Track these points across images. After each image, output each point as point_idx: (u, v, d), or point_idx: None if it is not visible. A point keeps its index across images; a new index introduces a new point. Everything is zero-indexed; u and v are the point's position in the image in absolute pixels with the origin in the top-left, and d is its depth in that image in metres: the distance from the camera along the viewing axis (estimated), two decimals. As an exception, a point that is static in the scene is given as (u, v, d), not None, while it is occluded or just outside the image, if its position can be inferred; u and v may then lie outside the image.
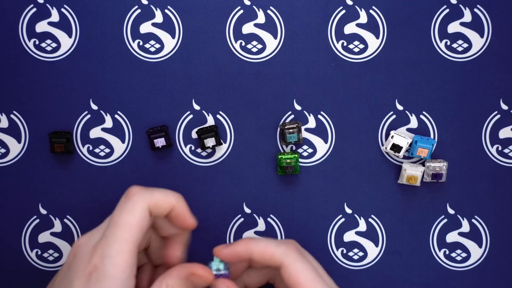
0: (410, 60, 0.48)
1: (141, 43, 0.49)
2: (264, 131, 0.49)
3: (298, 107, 0.49)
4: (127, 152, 0.49)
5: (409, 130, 0.49)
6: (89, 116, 0.49)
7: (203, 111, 0.49)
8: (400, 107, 0.49)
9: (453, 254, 0.49)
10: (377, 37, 0.48)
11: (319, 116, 0.49)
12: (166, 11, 0.48)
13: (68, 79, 0.49)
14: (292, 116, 0.49)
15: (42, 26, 0.48)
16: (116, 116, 0.49)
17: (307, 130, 0.49)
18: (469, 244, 0.49)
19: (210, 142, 0.48)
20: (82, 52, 0.49)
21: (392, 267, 0.49)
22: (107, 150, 0.49)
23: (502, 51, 0.48)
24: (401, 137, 0.47)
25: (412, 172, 0.47)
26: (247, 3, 0.48)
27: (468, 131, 0.48)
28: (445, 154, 0.48)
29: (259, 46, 0.48)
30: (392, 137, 0.47)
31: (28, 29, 0.48)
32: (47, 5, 0.48)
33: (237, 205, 0.49)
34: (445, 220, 0.49)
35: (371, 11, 0.48)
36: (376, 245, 0.49)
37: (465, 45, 0.48)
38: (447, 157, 0.48)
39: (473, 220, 0.49)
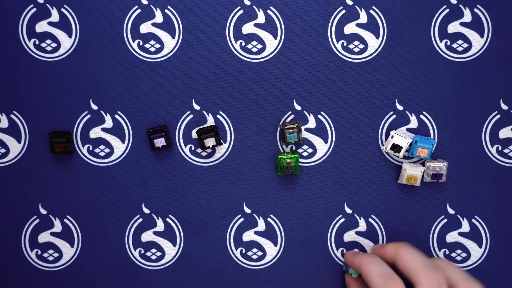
0: (410, 60, 0.48)
1: (141, 43, 0.49)
2: (264, 131, 0.49)
3: (298, 107, 0.49)
4: (127, 152, 0.49)
5: (409, 130, 0.49)
6: (89, 116, 0.49)
7: (203, 111, 0.49)
8: (400, 107, 0.49)
9: (453, 254, 0.49)
10: (377, 37, 0.48)
11: (319, 116, 0.49)
12: (166, 11, 0.48)
13: (68, 79, 0.49)
14: (292, 116, 0.49)
15: (42, 26, 0.48)
16: (116, 116, 0.49)
17: (307, 130, 0.49)
18: (469, 244, 0.49)
19: (210, 142, 0.48)
20: (82, 52, 0.49)
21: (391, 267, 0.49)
22: (107, 150, 0.49)
23: (502, 51, 0.48)
24: (401, 137, 0.47)
25: (412, 172, 0.47)
26: (247, 3, 0.48)
27: (468, 131, 0.48)
28: (445, 154, 0.48)
29: (259, 46, 0.48)
30: (392, 137, 0.47)
31: (28, 29, 0.48)
32: (47, 5, 0.48)
33: (237, 205, 0.49)
34: (445, 220, 0.49)
35: (371, 11, 0.48)
36: (376, 245, 0.49)
37: (465, 45, 0.48)
38: (447, 157, 0.48)
39: (473, 220, 0.49)
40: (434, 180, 0.47)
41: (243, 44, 0.48)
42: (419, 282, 0.41)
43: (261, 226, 0.49)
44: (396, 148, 0.47)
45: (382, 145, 0.49)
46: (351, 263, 0.46)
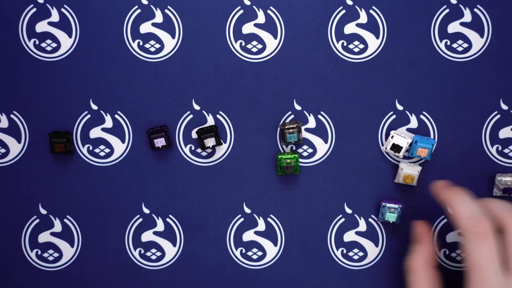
0: (410, 60, 0.48)
1: (141, 43, 0.49)
2: (264, 131, 0.49)
3: (298, 107, 0.49)
4: (127, 152, 0.49)
5: (409, 130, 0.49)
6: (89, 116, 0.49)
7: (203, 111, 0.49)
8: (400, 107, 0.49)
9: (453, 254, 0.49)
10: (377, 37, 0.48)
11: (319, 116, 0.49)
12: (166, 11, 0.48)
13: (68, 79, 0.49)
14: (292, 116, 0.49)
15: (42, 26, 0.48)
16: (116, 116, 0.49)
17: (307, 130, 0.49)
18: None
19: (210, 142, 0.48)
20: (82, 52, 0.49)
21: (392, 267, 0.49)
22: (107, 150, 0.49)
23: (502, 51, 0.48)
24: (401, 137, 0.47)
25: (408, 172, 0.47)
26: (247, 3, 0.48)
27: (468, 131, 0.48)
28: (445, 154, 0.48)
29: (259, 46, 0.48)
30: (392, 137, 0.47)
31: (28, 29, 0.48)
32: (47, 5, 0.48)
33: (237, 205, 0.49)
34: (445, 220, 0.49)
35: (371, 11, 0.48)
36: (376, 245, 0.49)
37: (465, 45, 0.48)
38: (447, 157, 0.48)
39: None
40: (505, 194, 0.47)
41: (243, 44, 0.48)
42: (510, 225, 0.41)
43: (261, 226, 0.49)
44: (396, 148, 0.47)
45: (382, 145, 0.49)
46: (438, 195, 0.45)
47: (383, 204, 0.47)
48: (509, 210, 0.42)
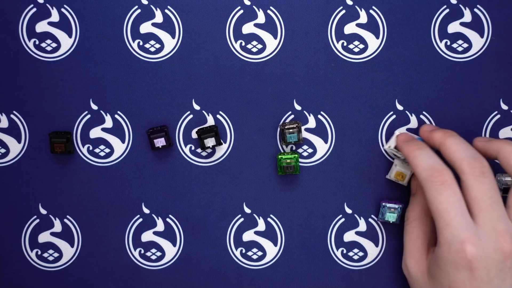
0: (410, 60, 0.48)
1: (141, 43, 0.49)
2: (264, 131, 0.49)
3: (298, 107, 0.49)
4: (127, 152, 0.49)
5: (409, 130, 0.49)
6: (89, 116, 0.49)
7: (203, 111, 0.49)
8: (400, 107, 0.49)
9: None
10: (377, 37, 0.48)
11: (319, 116, 0.49)
12: (166, 11, 0.48)
13: (68, 79, 0.49)
14: (292, 116, 0.49)
15: (42, 26, 0.48)
16: (116, 116, 0.49)
17: (307, 130, 0.49)
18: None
19: (210, 142, 0.48)
20: (82, 52, 0.49)
21: (392, 267, 0.49)
22: (107, 150, 0.49)
23: (502, 51, 0.48)
24: None
25: (401, 169, 0.47)
26: (247, 3, 0.48)
27: (468, 131, 0.48)
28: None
29: (259, 46, 0.48)
30: (397, 136, 0.47)
31: (28, 29, 0.48)
32: (47, 5, 0.48)
33: (237, 205, 0.49)
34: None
35: (371, 11, 0.48)
36: (376, 245, 0.49)
37: (465, 45, 0.48)
38: (447, 157, 0.48)
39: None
40: (505, 194, 0.47)
41: (243, 44, 0.48)
42: (463, 171, 0.41)
43: (261, 226, 0.49)
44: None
45: (382, 145, 0.49)
46: (400, 150, 0.45)
47: (383, 204, 0.47)
48: (466, 157, 0.42)
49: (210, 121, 0.49)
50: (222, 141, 0.49)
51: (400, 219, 0.48)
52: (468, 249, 0.40)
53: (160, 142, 0.48)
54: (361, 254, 0.49)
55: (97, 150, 0.49)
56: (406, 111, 0.49)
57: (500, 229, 0.40)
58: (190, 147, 0.49)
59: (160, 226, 0.50)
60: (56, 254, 0.50)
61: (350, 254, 0.49)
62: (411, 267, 0.45)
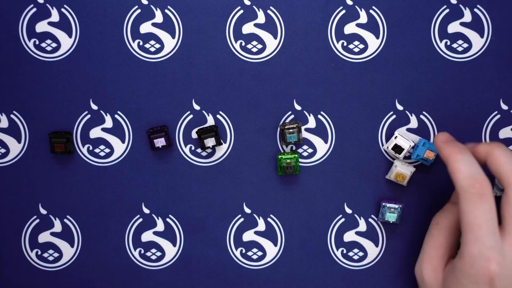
0: (410, 60, 0.48)
1: (141, 43, 0.49)
2: (264, 131, 0.49)
3: (298, 107, 0.49)
4: (127, 152, 0.49)
5: (409, 130, 0.49)
6: (89, 116, 0.49)
7: (203, 111, 0.49)
8: (400, 107, 0.49)
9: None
10: (377, 37, 0.48)
11: (319, 116, 0.49)
12: (166, 11, 0.48)
13: (68, 79, 0.49)
14: (292, 116, 0.49)
15: (42, 26, 0.48)
16: (116, 116, 0.49)
17: (307, 130, 0.49)
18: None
19: (210, 142, 0.48)
20: (82, 52, 0.49)
21: (392, 267, 0.49)
22: (107, 150, 0.49)
23: (502, 51, 0.48)
24: (405, 139, 0.47)
25: (402, 170, 0.47)
26: (247, 3, 0.48)
27: (468, 131, 0.48)
28: (445, 154, 0.48)
29: (259, 46, 0.48)
30: (395, 137, 0.47)
31: (28, 29, 0.48)
32: (47, 5, 0.48)
33: (237, 205, 0.49)
34: (445, 220, 0.49)
35: (371, 11, 0.48)
36: (376, 245, 0.49)
37: (465, 45, 0.48)
38: (447, 157, 0.48)
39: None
40: None
41: (243, 44, 0.48)
42: (510, 185, 0.40)
43: (261, 226, 0.49)
44: (397, 148, 0.47)
45: (382, 145, 0.49)
46: (439, 150, 0.43)
47: (383, 204, 0.47)
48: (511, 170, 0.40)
49: (210, 121, 0.49)
50: (222, 141, 0.49)
51: (400, 219, 0.48)
52: (492, 267, 0.39)
53: (160, 142, 0.48)
54: (361, 254, 0.49)
55: (97, 150, 0.49)
56: (406, 111, 0.49)
57: None
58: (190, 147, 0.49)
59: (160, 226, 0.50)
60: (56, 254, 0.50)
61: (350, 254, 0.49)
62: (426, 274, 0.44)
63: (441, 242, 0.44)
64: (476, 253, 0.39)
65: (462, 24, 0.48)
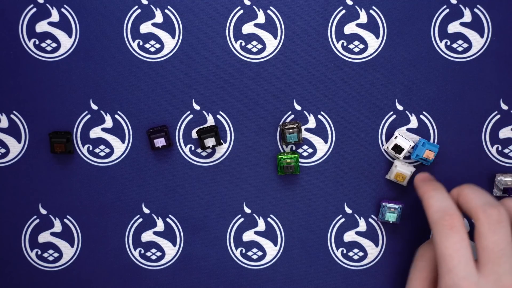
0: (410, 60, 0.48)
1: (141, 43, 0.49)
2: (264, 131, 0.49)
3: (298, 107, 0.49)
4: (127, 152, 0.49)
5: (409, 130, 0.49)
6: (89, 116, 0.49)
7: (203, 111, 0.49)
8: (400, 107, 0.49)
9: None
10: (377, 37, 0.48)
11: (319, 116, 0.49)
12: (166, 11, 0.48)
13: (68, 79, 0.49)
14: (292, 116, 0.49)
15: (42, 26, 0.48)
16: (116, 116, 0.49)
17: (307, 130, 0.49)
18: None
19: (210, 142, 0.48)
20: (82, 52, 0.49)
21: (392, 267, 0.49)
22: (107, 150, 0.49)
23: (502, 51, 0.48)
24: (405, 139, 0.47)
25: (402, 170, 0.47)
26: (247, 3, 0.48)
27: (468, 131, 0.48)
28: (445, 154, 0.48)
29: (259, 46, 0.48)
30: (395, 137, 0.47)
31: (28, 29, 0.48)
32: (47, 5, 0.48)
33: (237, 205, 0.49)
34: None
35: (371, 11, 0.48)
36: (376, 245, 0.49)
37: (465, 45, 0.48)
38: (447, 157, 0.48)
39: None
40: (505, 194, 0.47)
41: (243, 44, 0.48)
42: (478, 219, 0.41)
43: (261, 226, 0.49)
44: (397, 149, 0.47)
45: (382, 145, 0.49)
46: (416, 189, 0.45)
47: (383, 204, 0.47)
48: (482, 204, 0.41)
49: (210, 121, 0.49)
50: (222, 141, 0.49)
51: (400, 219, 0.48)
52: None
53: (160, 142, 0.48)
54: (361, 254, 0.49)
55: (97, 150, 0.49)
56: (406, 111, 0.49)
57: (505, 283, 0.40)
58: (190, 147, 0.49)
59: (160, 226, 0.50)
60: (56, 254, 0.50)
61: (350, 254, 0.49)
62: None
63: (426, 275, 0.44)
64: (450, 284, 0.40)
65: (462, 24, 0.48)
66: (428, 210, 0.42)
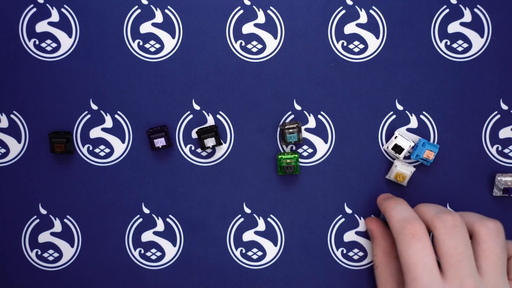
0: (410, 60, 0.48)
1: (141, 43, 0.49)
2: (264, 131, 0.49)
3: (298, 107, 0.49)
4: (127, 152, 0.49)
5: (409, 130, 0.49)
6: (89, 116, 0.49)
7: (203, 111, 0.49)
8: (400, 107, 0.49)
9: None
10: (377, 37, 0.48)
11: (319, 116, 0.49)
12: (166, 11, 0.48)
13: (68, 79, 0.49)
14: (292, 116, 0.49)
15: (42, 26, 0.48)
16: (116, 116, 0.49)
17: (307, 130, 0.49)
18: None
19: (210, 142, 0.48)
20: (82, 52, 0.49)
21: (392, 267, 0.49)
22: (107, 150, 0.49)
23: (502, 51, 0.48)
24: (405, 139, 0.47)
25: (402, 170, 0.47)
26: (247, 3, 0.48)
27: (468, 131, 0.48)
28: (445, 154, 0.48)
29: (259, 46, 0.48)
30: (395, 137, 0.47)
31: (28, 29, 0.48)
32: (47, 5, 0.48)
33: (237, 205, 0.49)
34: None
35: (371, 11, 0.48)
36: (376, 245, 0.49)
37: (465, 45, 0.48)
38: (447, 157, 0.48)
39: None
40: (505, 194, 0.47)
41: (243, 44, 0.48)
42: (435, 227, 0.42)
43: (261, 226, 0.49)
44: (397, 149, 0.47)
45: (382, 145, 0.49)
46: (379, 206, 0.46)
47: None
48: (436, 212, 0.42)
49: (210, 121, 0.49)
50: (222, 141, 0.49)
51: None
52: None
53: (160, 142, 0.48)
54: (361, 254, 0.49)
55: (97, 150, 0.49)
56: (406, 111, 0.49)
57: (467, 285, 0.40)
58: (190, 147, 0.49)
59: (160, 226, 0.50)
60: (56, 254, 0.50)
61: (350, 254, 0.49)
62: None
63: (384, 278, 0.46)
64: None
65: (462, 24, 0.48)
66: (390, 221, 0.43)
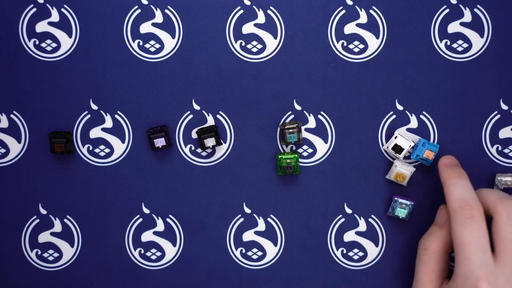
0: (410, 60, 0.48)
1: (141, 43, 0.49)
2: (264, 131, 0.49)
3: (298, 107, 0.49)
4: (127, 152, 0.49)
5: (409, 130, 0.49)
6: (89, 116, 0.49)
7: (203, 111, 0.49)
8: (400, 107, 0.49)
9: (453, 254, 0.49)
10: (377, 37, 0.48)
11: (319, 116, 0.49)
12: (166, 11, 0.48)
13: (68, 79, 0.49)
14: (292, 116, 0.49)
15: (42, 26, 0.49)
16: (116, 116, 0.49)
17: (307, 130, 0.49)
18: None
19: (210, 142, 0.48)
20: (82, 52, 0.49)
21: (392, 267, 0.49)
22: (107, 150, 0.49)
23: (502, 51, 0.48)
24: (405, 139, 0.47)
25: (402, 170, 0.47)
26: (247, 3, 0.48)
27: (468, 131, 0.48)
28: (445, 154, 0.48)
29: (259, 46, 0.48)
30: (395, 137, 0.47)
31: (28, 29, 0.48)
32: (47, 5, 0.48)
33: (237, 205, 0.49)
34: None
35: (371, 11, 0.48)
36: (376, 245, 0.49)
37: (465, 45, 0.48)
38: (447, 157, 0.48)
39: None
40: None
41: (243, 44, 0.48)
42: (496, 211, 0.41)
43: (261, 226, 0.49)
44: (397, 149, 0.47)
45: (382, 145, 0.49)
46: (440, 172, 0.45)
47: (395, 198, 0.47)
48: (500, 197, 0.42)
49: (210, 121, 0.49)
50: (222, 141, 0.49)
51: (410, 216, 0.48)
52: (483, 286, 0.39)
53: (160, 142, 0.48)
54: (361, 254, 0.49)
55: (97, 150, 0.49)
56: (406, 111, 0.49)
57: None
58: (190, 147, 0.49)
59: (160, 226, 0.50)
60: (56, 254, 0.50)
61: (350, 254, 0.49)
62: None
63: (432, 268, 0.44)
64: (467, 272, 0.40)
65: (462, 24, 0.48)
66: (449, 197, 0.43)
